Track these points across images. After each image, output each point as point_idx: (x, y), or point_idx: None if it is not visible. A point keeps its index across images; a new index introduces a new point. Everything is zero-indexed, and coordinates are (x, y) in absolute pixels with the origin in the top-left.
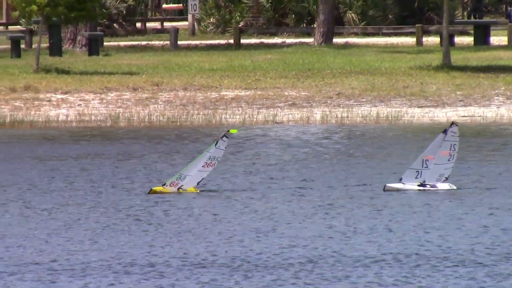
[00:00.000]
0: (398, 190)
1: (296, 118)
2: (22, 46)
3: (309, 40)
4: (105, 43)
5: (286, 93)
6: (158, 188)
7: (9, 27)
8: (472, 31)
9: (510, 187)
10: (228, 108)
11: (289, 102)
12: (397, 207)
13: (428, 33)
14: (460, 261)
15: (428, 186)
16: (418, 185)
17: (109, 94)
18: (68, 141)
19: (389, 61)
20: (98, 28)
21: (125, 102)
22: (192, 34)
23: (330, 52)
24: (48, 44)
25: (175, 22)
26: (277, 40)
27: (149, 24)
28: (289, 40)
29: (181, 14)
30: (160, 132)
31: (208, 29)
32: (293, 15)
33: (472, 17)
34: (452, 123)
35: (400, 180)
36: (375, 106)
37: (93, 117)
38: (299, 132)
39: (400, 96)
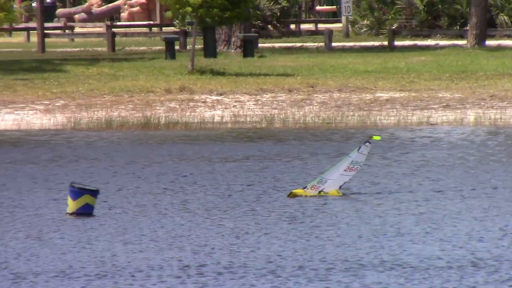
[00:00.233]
0: None
1: (450, 119)
2: (176, 47)
3: (462, 42)
4: (259, 45)
5: (440, 95)
6: (299, 191)
7: (163, 28)
8: None
9: None
10: (383, 109)
11: (443, 104)
12: None
13: None
14: None
15: None
16: None
17: (264, 95)
18: (233, 141)
19: None
20: (252, 30)
21: (280, 103)
22: (346, 36)
23: (483, 54)
24: (202, 46)
25: (329, 24)
26: (430, 42)
27: (303, 26)
28: (442, 42)
29: (334, 16)
30: (332, 133)
31: (361, 31)
32: (446, 17)
33: None
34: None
35: None
36: None
37: (248, 118)
38: (458, 133)
39: None
